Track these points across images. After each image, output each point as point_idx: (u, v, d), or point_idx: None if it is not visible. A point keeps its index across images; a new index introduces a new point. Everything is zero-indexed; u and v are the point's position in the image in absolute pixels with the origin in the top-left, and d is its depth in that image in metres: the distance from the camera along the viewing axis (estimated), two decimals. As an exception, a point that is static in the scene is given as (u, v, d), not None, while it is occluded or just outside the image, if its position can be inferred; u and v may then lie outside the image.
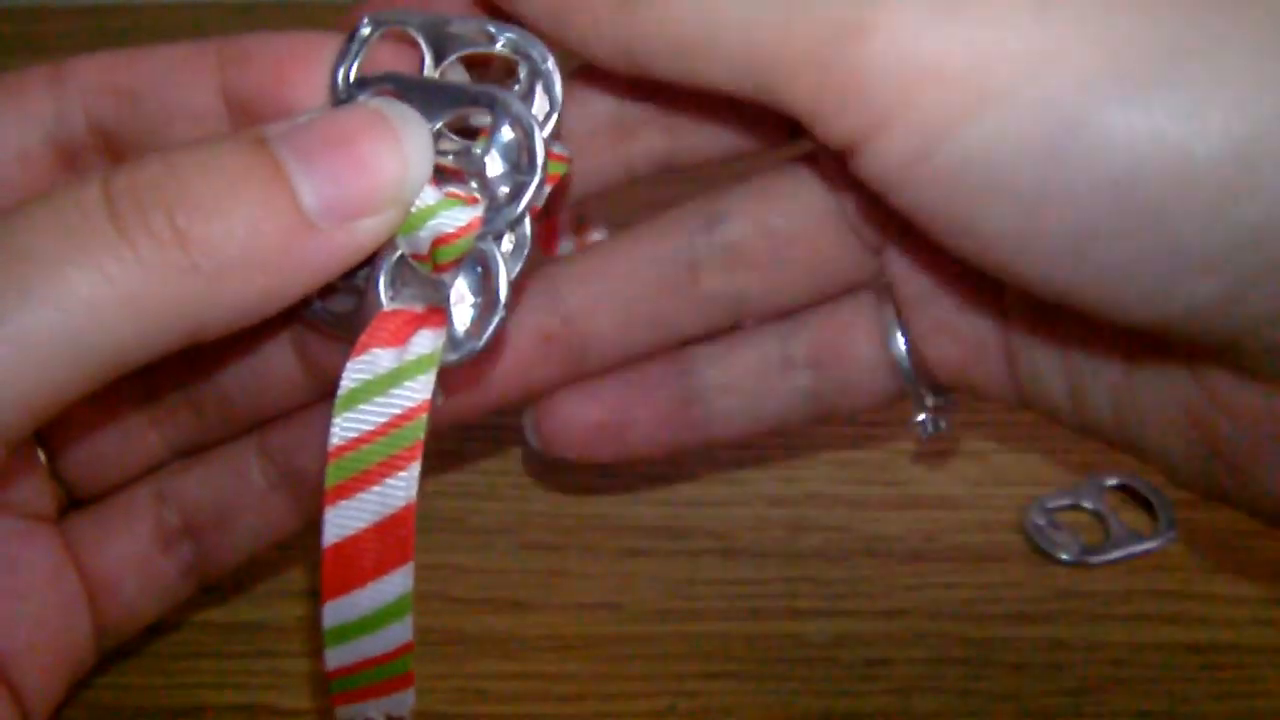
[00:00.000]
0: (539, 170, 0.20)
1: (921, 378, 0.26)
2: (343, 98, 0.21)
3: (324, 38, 0.22)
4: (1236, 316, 0.18)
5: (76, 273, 0.17)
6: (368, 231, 0.20)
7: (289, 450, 0.25)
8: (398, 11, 0.22)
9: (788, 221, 0.26)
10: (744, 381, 0.27)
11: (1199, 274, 0.18)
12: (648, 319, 0.26)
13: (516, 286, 0.21)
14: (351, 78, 0.21)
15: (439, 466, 0.33)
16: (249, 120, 0.22)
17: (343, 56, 0.21)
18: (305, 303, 0.22)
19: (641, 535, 0.32)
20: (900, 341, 0.26)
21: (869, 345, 0.26)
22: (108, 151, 0.23)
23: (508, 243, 0.21)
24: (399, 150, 0.20)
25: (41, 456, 0.24)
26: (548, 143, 0.21)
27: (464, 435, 0.34)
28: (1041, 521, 0.32)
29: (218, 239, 0.18)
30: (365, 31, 0.22)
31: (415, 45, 0.22)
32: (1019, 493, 0.33)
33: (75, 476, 0.25)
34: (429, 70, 0.22)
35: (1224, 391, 0.22)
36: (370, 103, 0.20)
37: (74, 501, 0.25)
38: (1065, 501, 0.33)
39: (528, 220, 0.21)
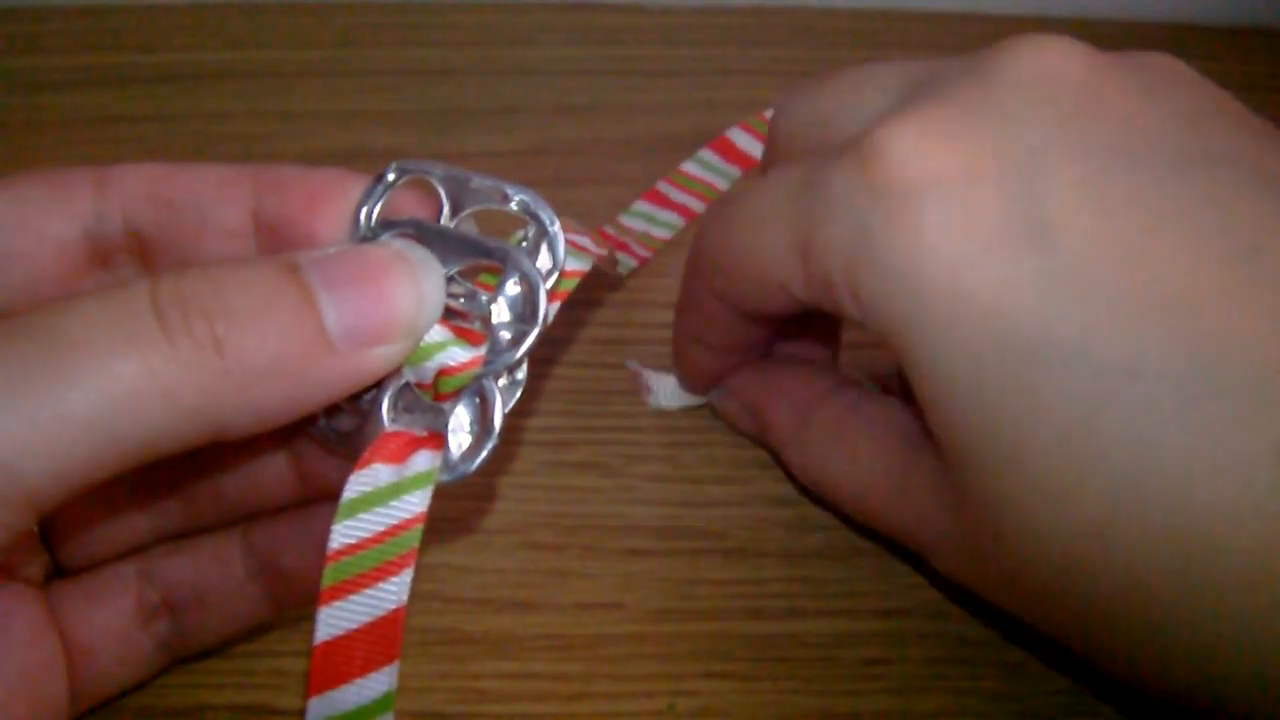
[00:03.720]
0: (540, 322, 0.22)
1: None
2: (365, 234, 0.23)
3: (354, 176, 0.24)
4: None
5: (122, 364, 0.19)
6: (380, 358, 0.21)
7: (271, 546, 0.26)
8: (423, 162, 0.24)
9: None
10: None
11: None
12: None
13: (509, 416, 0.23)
14: (374, 217, 0.23)
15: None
16: (274, 241, 0.24)
17: (368, 196, 0.23)
18: (312, 419, 0.24)
19: (641, 535, 0.32)
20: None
21: None
22: (140, 254, 0.25)
23: (505, 378, 0.23)
24: (416, 289, 0.22)
25: (35, 526, 0.25)
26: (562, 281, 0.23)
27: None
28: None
29: (250, 349, 0.20)
30: (391, 177, 0.24)
31: (435, 195, 0.24)
32: (1019, 493, 0.33)
33: (64, 547, 0.26)
34: (445, 219, 0.24)
35: None
36: (394, 243, 0.22)
37: (60, 570, 0.26)
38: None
39: (526, 361, 0.23)
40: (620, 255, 0.38)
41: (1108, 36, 0.50)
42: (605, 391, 0.36)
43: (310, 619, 0.24)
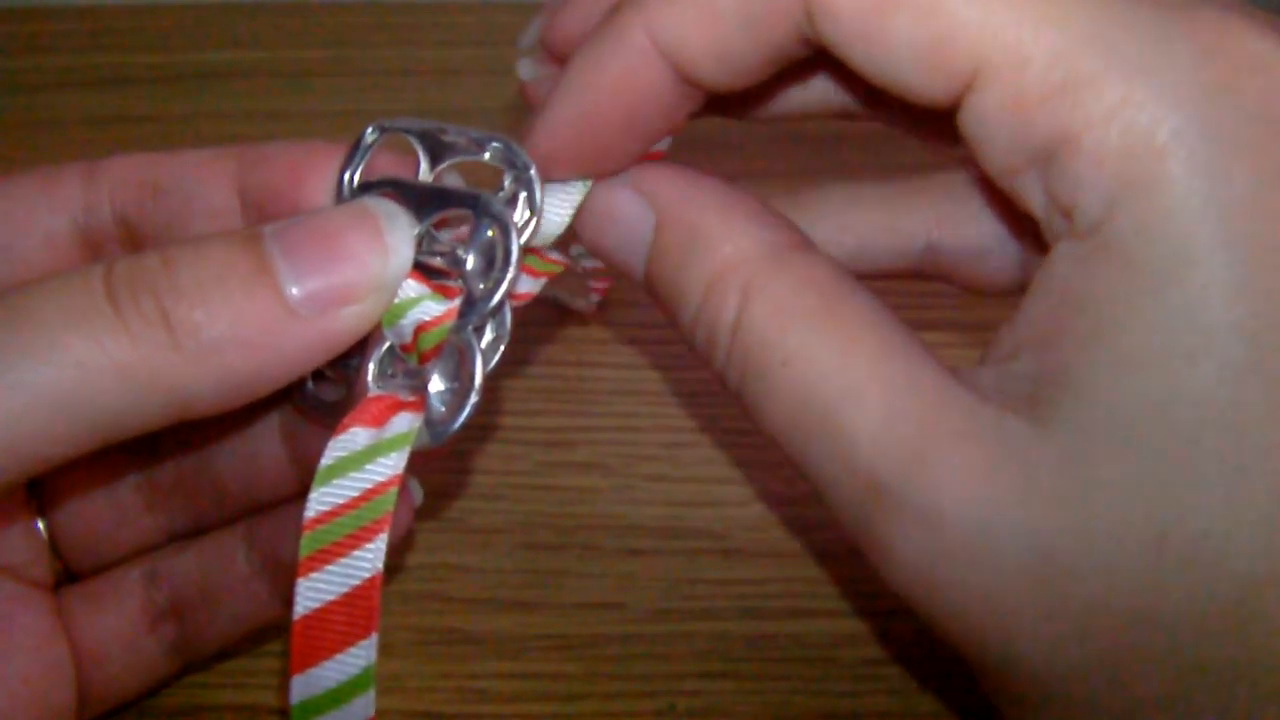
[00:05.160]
0: (512, 267, 0.22)
1: None
2: (347, 199, 0.23)
3: (334, 146, 0.24)
4: None
5: (74, 338, 0.19)
6: (349, 319, 0.21)
7: (274, 540, 0.26)
8: (399, 120, 0.24)
9: None
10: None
11: None
12: None
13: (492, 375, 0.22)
14: (355, 181, 0.23)
15: (440, 466, 0.33)
16: (262, 217, 0.24)
17: (347, 161, 0.23)
18: (300, 389, 0.24)
19: (641, 535, 0.32)
20: None
21: None
22: (131, 243, 0.25)
23: (490, 333, 0.22)
24: (380, 245, 0.21)
25: (42, 529, 0.26)
26: (543, 250, 0.23)
27: (465, 435, 0.34)
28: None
29: (199, 322, 0.20)
30: (369, 139, 0.23)
31: (414, 153, 0.24)
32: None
33: (73, 551, 0.26)
34: (424, 174, 0.23)
35: None
36: (361, 200, 0.22)
37: (70, 575, 0.26)
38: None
39: (508, 312, 0.22)
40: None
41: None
42: (605, 391, 0.36)
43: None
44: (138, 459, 0.26)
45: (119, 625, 0.26)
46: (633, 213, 0.23)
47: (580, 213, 0.23)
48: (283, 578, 0.26)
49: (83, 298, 0.19)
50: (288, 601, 0.27)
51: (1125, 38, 0.18)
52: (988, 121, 0.19)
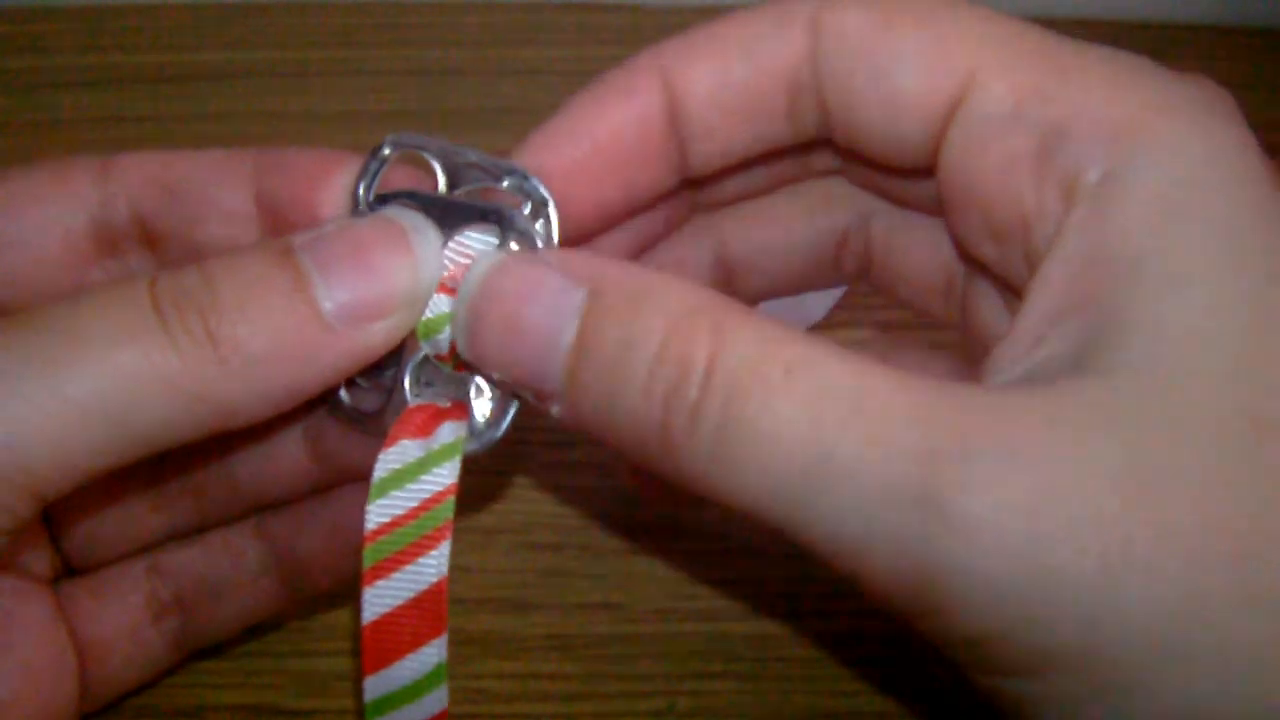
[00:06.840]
0: None
1: None
2: (362, 209, 0.23)
3: (353, 155, 0.24)
4: None
5: (122, 353, 0.19)
6: (380, 332, 0.21)
7: (288, 536, 0.26)
8: (417, 137, 0.24)
9: None
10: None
11: None
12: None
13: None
14: (371, 193, 0.23)
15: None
16: (276, 221, 0.24)
17: (363, 172, 0.23)
18: (334, 396, 0.24)
19: (641, 535, 0.32)
20: None
21: None
22: (146, 241, 0.25)
23: None
24: (409, 259, 0.22)
25: (45, 527, 0.26)
26: None
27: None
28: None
29: (243, 339, 0.20)
30: (386, 151, 0.23)
31: (430, 170, 0.24)
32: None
33: (73, 546, 0.26)
34: (442, 192, 0.23)
35: None
36: (388, 212, 0.22)
37: (70, 569, 0.26)
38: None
39: None
40: None
41: (1103, 36, 0.50)
42: (605, 392, 0.36)
43: (322, 612, 0.24)
44: (151, 462, 0.26)
45: (122, 618, 0.26)
46: (555, 285, 0.21)
47: (485, 297, 0.21)
48: (295, 572, 0.26)
49: (131, 313, 0.20)
50: (299, 595, 0.27)
51: (1091, 50, 0.21)
52: (988, 115, 0.21)
